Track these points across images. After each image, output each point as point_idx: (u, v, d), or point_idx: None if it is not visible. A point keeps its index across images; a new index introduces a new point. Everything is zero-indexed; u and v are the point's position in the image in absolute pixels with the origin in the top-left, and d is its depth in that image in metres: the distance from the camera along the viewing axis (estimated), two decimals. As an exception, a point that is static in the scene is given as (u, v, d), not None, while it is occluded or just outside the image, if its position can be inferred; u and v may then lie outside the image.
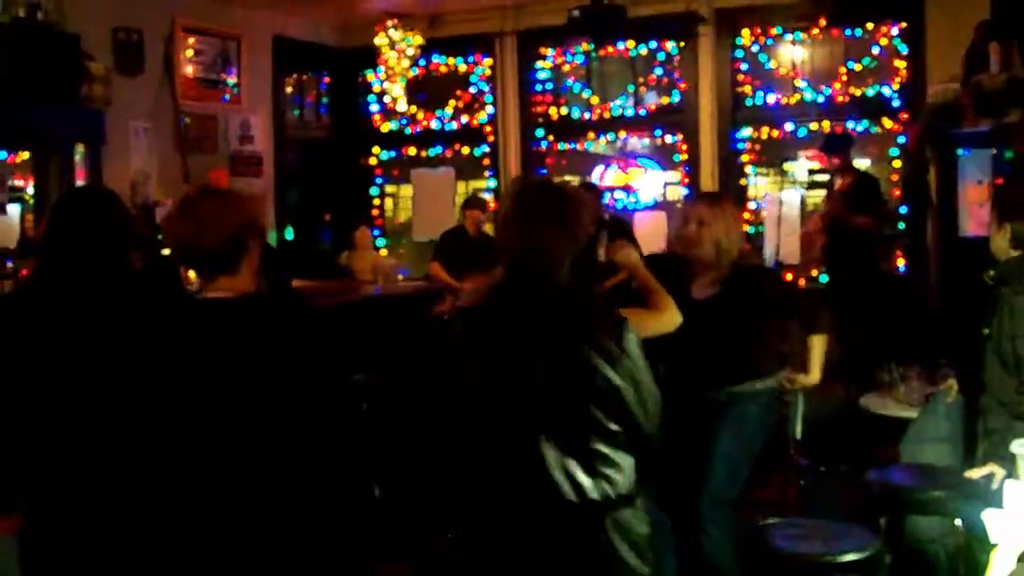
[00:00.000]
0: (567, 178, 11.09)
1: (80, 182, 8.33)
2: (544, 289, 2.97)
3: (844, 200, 8.76)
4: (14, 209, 8.54)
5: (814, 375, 5.00)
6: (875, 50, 9.81)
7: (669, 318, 3.96)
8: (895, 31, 9.71)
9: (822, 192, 9.58)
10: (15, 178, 9.05)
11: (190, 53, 9.57)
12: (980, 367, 4.57)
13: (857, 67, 9.87)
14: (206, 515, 2.85)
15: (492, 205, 10.52)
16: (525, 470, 2.87)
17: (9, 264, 7.51)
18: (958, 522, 4.43)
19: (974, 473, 4.37)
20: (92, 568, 3.39)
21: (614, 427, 2.88)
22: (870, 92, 9.82)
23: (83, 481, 3.38)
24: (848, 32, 9.87)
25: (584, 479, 2.86)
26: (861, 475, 5.54)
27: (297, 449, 2.91)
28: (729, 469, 4.70)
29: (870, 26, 9.78)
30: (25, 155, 8.78)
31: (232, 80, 10.04)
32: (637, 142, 10.92)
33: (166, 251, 3.14)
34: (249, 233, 3.02)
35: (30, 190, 8.72)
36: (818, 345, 4.99)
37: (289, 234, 10.77)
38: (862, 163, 9.76)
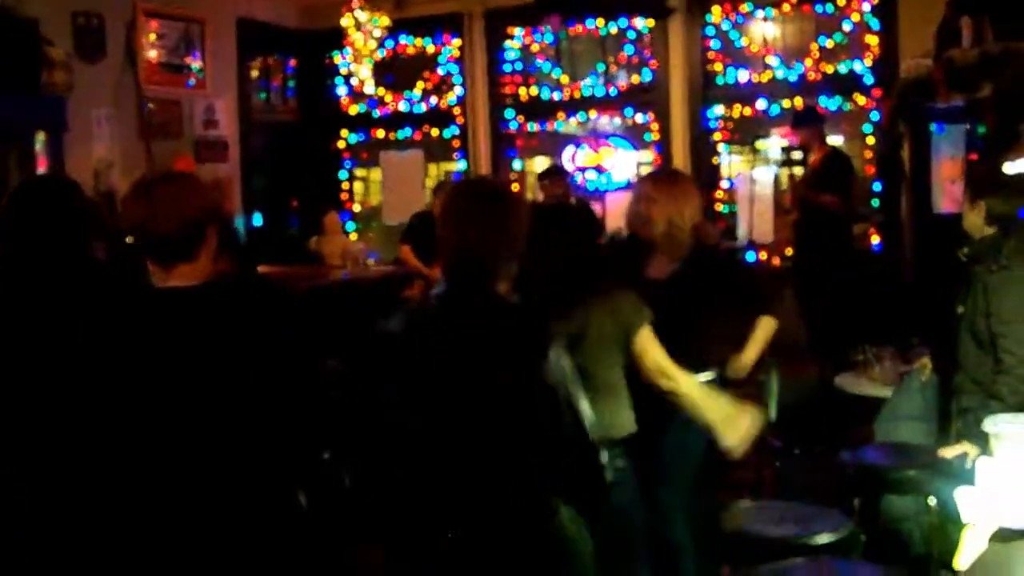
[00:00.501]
0: (538, 159, 11.02)
1: (41, 171, 8.19)
2: (477, 292, 2.90)
3: (814, 177, 8.67)
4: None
5: (748, 356, 4.83)
6: (847, 26, 9.72)
7: None
8: (866, 7, 9.62)
9: (797, 170, 9.51)
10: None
11: (152, 37, 9.41)
12: (954, 345, 4.53)
13: (829, 43, 9.79)
14: (184, 502, 2.78)
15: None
16: (459, 480, 2.81)
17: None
18: (932, 501, 4.37)
19: (948, 452, 4.33)
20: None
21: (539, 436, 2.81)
22: (842, 69, 9.75)
23: (50, 476, 3.29)
24: (819, 8, 9.78)
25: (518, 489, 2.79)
26: (836, 456, 5.49)
27: (274, 437, 2.84)
28: (681, 462, 4.54)
29: (841, 2, 9.68)
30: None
31: (196, 64, 9.88)
32: (608, 121, 10.81)
33: (129, 239, 3.04)
34: (208, 219, 2.92)
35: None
36: (764, 327, 4.84)
37: (257, 219, 10.64)
38: (835, 140, 9.67)
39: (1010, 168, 5.35)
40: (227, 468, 2.80)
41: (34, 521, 3.30)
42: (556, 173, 9.03)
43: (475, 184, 3.19)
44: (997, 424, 3.40)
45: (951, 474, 4.18)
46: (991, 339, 4.28)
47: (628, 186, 10.35)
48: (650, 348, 3.70)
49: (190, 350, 2.78)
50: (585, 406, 2.92)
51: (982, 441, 4.05)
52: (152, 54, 9.39)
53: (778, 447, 5.82)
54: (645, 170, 10.49)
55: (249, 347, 2.83)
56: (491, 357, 2.84)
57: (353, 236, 11.27)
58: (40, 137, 8.26)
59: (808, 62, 9.83)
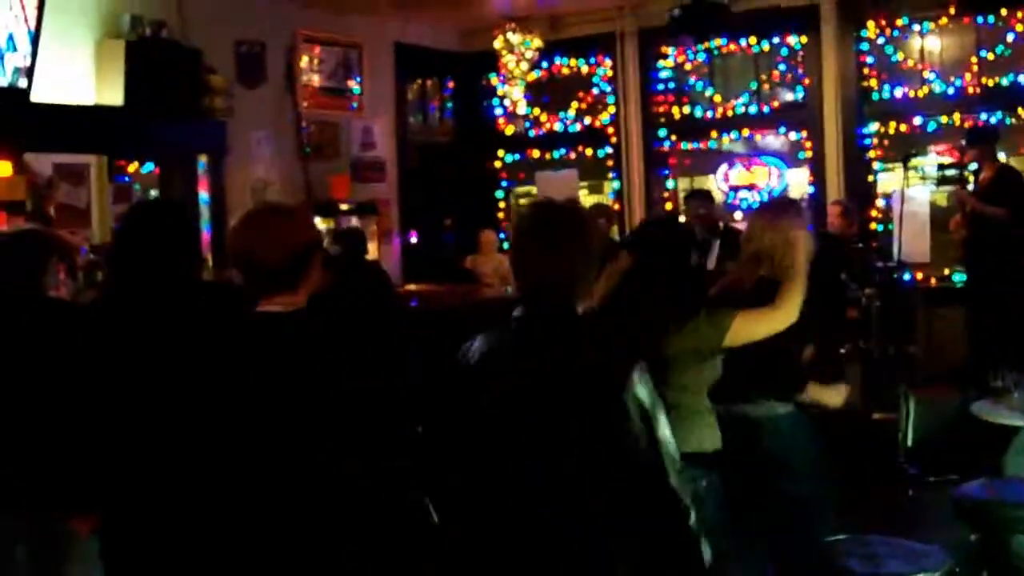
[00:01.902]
0: (694, 179, 10.99)
1: (203, 192, 8.59)
2: (555, 317, 2.89)
3: (985, 194, 8.42)
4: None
5: None
6: (1010, 37, 9.41)
7: (784, 315, 3.85)
8: (1032, 15, 9.31)
9: (951, 187, 9.27)
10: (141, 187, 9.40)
11: (312, 62, 9.76)
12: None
13: (990, 56, 9.49)
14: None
15: (615, 208, 10.53)
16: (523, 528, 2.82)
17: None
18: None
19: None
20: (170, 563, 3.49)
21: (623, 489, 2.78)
22: (1004, 82, 9.44)
23: (153, 488, 3.48)
24: (980, 20, 9.50)
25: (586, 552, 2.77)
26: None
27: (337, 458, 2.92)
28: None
29: (1004, 12, 9.37)
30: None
31: (356, 87, 10.20)
32: (762, 140, 10.71)
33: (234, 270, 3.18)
34: (310, 252, 3.03)
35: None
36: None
37: (413, 238, 10.90)
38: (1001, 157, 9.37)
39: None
40: (257, 477, 2.88)
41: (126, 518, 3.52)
42: (702, 195, 8.95)
43: (549, 207, 3.14)
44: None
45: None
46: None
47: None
48: (747, 327, 3.71)
49: (272, 371, 2.89)
50: (666, 432, 2.90)
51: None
52: (313, 78, 9.74)
53: (912, 474, 5.69)
54: (796, 188, 10.38)
55: (331, 368, 2.91)
56: (568, 384, 2.84)
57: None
58: (202, 159, 8.67)
59: (968, 76, 9.55)
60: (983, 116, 9.40)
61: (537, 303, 2.89)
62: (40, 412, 3.85)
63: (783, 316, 3.85)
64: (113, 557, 3.65)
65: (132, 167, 9.26)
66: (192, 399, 3.10)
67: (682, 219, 9.10)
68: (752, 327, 3.76)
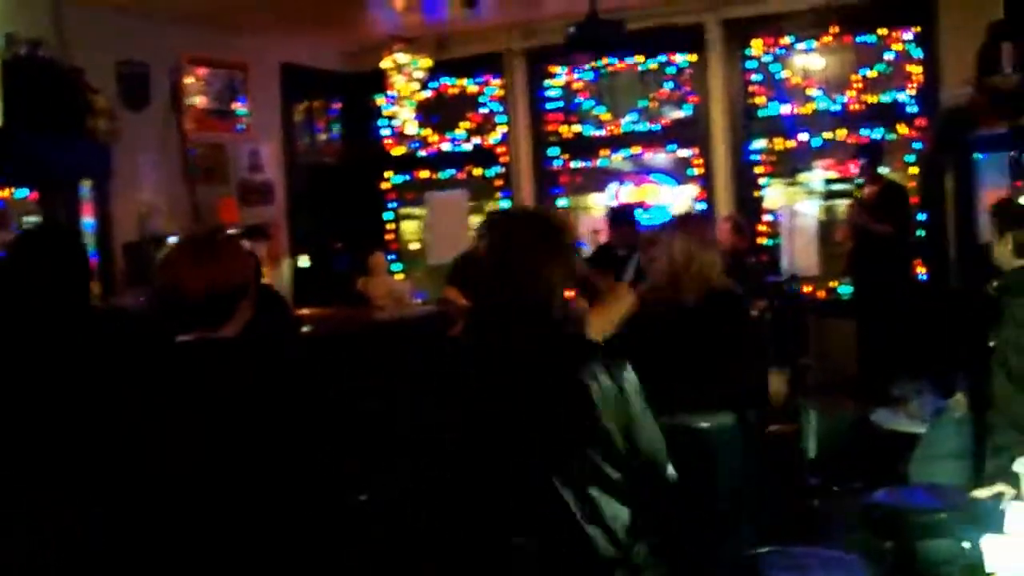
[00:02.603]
0: (589, 196, 11.02)
1: (87, 218, 8.31)
2: (535, 322, 2.84)
3: (869, 209, 8.61)
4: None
5: None
6: (889, 56, 9.65)
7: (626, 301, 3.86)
8: (908, 36, 9.55)
9: (840, 201, 9.46)
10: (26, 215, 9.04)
11: (197, 84, 9.54)
12: (984, 381, 4.44)
13: (871, 74, 9.72)
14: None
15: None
16: (526, 519, 2.76)
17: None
18: (966, 545, 4.27)
19: (982, 493, 4.23)
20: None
21: (613, 473, 2.75)
22: (885, 99, 9.67)
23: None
24: (860, 39, 9.72)
25: (589, 531, 2.72)
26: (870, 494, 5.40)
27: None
28: None
29: (883, 32, 9.62)
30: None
31: (242, 109, 10.01)
32: (651, 157, 10.79)
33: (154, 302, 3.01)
34: (240, 293, 2.87)
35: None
36: None
37: (303, 261, 10.72)
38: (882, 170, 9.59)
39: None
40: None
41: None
42: (625, 213, 8.85)
43: (530, 214, 3.08)
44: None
45: (984, 517, 4.08)
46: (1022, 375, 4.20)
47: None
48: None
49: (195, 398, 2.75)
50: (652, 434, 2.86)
51: (1016, 481, 3.97)
52: (197, 100, 9.52)
53: (815, 484, 5.76)
54: (685, 206, 10.46)
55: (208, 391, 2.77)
56: (550, 387, 2.78)
57: (399, 276, 11.31)
58: (85, 184, 8.39)
59: (851, 93, 9.76)
60: (865, 132, 9.60)
61: (505, 308, 2.83)
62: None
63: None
64: None
65: (4, 192, 8.90)
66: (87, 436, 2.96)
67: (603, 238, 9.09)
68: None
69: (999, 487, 4.17)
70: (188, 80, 9.43)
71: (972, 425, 4.81)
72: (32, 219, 8.95)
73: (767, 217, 10.04)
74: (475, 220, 11.17)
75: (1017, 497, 3.86)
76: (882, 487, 4.97)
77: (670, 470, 2.92)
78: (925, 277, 9.35)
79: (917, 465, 4.99)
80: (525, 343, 2.83)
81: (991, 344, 4.42)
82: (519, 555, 2.76)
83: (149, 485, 2.74)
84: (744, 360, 4.68)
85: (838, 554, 3.94)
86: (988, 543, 3.19)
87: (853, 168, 9.20)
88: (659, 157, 10.78)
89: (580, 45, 8.04)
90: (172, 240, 8.62)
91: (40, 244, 3.67)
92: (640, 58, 10.37)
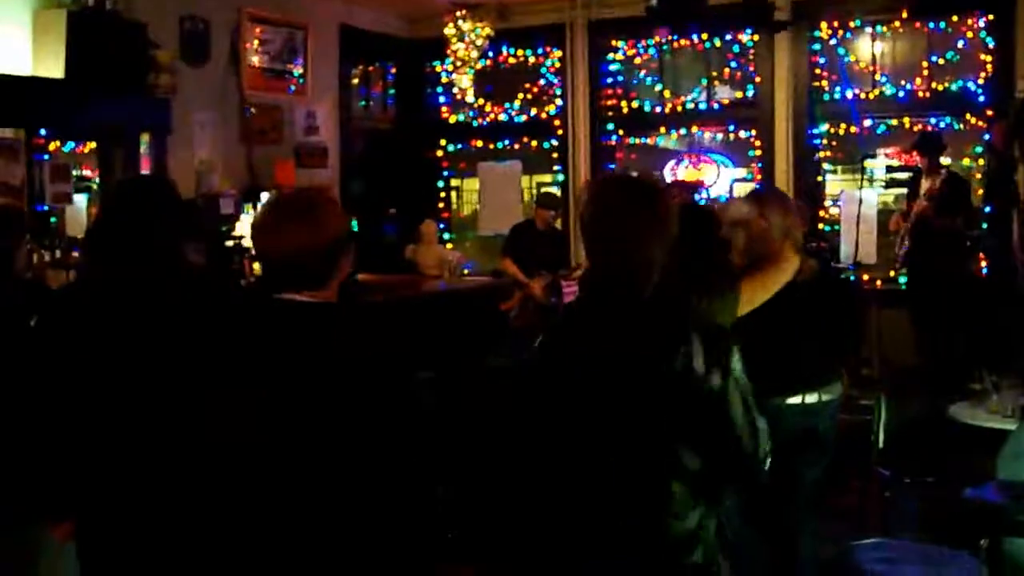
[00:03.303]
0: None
1: (145, 171, 8.24)
2: (635, 293, 2.71)
3: (933, 202, 8.44)
4: (80, 199, 8.44)
5: None
6: (960, 43, 9.48)
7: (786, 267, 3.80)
8: (981, 23, 9.37)
9: (900, 191, 9.30)
10: (83, 168, 8.97)
11: (256, 43, 9.44)
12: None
13: (940, 61, 9.55)
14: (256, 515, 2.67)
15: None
16: (595, 505, 2.66)
17: (75, 254, 7.42)
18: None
19: (1080, 493, 4.11)
20: (150, 562, 3.26)
21: (695, 465, 2.63)
22: (954, 87, 9.50)
23: (134, 478, 3.25)
24: (931, 25, 9.54)
25: (659, 521, 2.63)
26: (946, 488, 5.28)
27: (357, 452, 2.70)
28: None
29: (955, 18, 9.44)
30: (91, 145, 8.68)
31: (298, 71, 9.90)
32: (710, 137, 10.64)
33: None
34: (341, 250, 2.78)
35: (97, 181, 8.61)
36: None
37: (354, 226, 10.62)
38: (944, 161, 9.42)
39: None
40: (278, 472, 2.65)
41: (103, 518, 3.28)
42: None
43: (629, 180, 2.95)
44: None
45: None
46: None
47: (727, 201, 10.17)
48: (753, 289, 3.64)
49: (258, 355, 2.66)
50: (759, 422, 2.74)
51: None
52: (255, 59, 9.42)
53: (886, 476, 5.63)
54: (742, 186, 10.32)
55: (311, 353, 2.68)
56: (648, 358, 2.65)
57: (449, 246, 11.22)
58: (144, 138, 8.32)
59: (918, 80, 9.60)
60: (933, 120, 9.44)
61: (604, 277, 2.72)
62: (13, 410, 3.55)
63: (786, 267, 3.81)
64: (91, 560, 3.41)
65: (53, 145, 8.81)
66: (184, 394, 2.88)
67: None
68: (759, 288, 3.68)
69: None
70: (247, 38, 9.32)
71: (1065, 423, 4.68)
72: (84, 173, 8.94)
73: (828, 203, 9.88)
74: (526, 193, 11.10)
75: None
76: (958, 482, 4.85)
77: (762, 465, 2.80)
78: (987, 271, 9.19)
79: (1005, 462, 4.84)
80: (612, 325, 2.72)
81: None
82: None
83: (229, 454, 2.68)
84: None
85: (938, 549, 3.83)
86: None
87: (917, 157, 9.02)
88: (716, 137, 10.62)
89: (661, 18, 7.89)
90: (227, 199, 8.66)
91: (140, 194, 3.57)
92: (704, 35, 10.20)
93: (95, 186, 8.64)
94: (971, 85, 9.42)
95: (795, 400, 4.38)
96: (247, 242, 8.22)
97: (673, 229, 2.78)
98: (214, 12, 8.99)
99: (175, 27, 8.66)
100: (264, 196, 8.62)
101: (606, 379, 2.63)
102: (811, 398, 4.44)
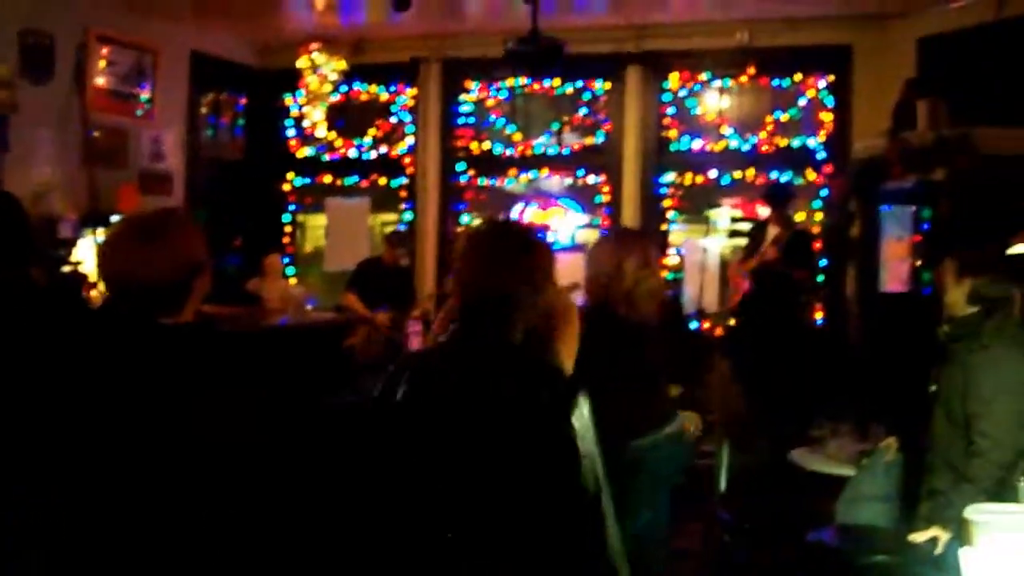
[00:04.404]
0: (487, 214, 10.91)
1: (-22, 190, 7.91)
2: (493, 340, 2.71)
3: (782, 252, 8.64)
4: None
5: None
6: (802, 101, 9.79)
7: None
8: (822, 83, 9.70)
9: (742, 241, 9.52)
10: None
11: (103, 63, 9.17)
12: (924, 425, 4.45)
13: (784, 117, 9.84)
14: None
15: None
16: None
17: None
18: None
19: (918, 536, 4.23)
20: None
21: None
22: (795, 143, 9.80)
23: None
24: (776, 82, 9.84)
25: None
26: (785, 533, 5.40)
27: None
28: None
29: (798, 77, 9.76)
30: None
31: (146, 95, 9.66)
32: (557, 181, 10.73)
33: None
34: (197, 273, 2.68)
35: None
36: None
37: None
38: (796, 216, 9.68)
39: (1013, 251, 5.29)
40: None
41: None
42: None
43: (504, 226, 2.96)
44: (981, 513, 3.27)
45: (922, 560, 4.08)
46: (965, 420, 4.21)
47: (574, 247, 10.28)
48: None
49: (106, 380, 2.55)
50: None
51: (953, 524, 3.97)
52: (101, 80, 9.15)
53: (727, 520, 5.72)
54: (590, 233, 10.42)
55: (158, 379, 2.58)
56: (508, 407, 2.62)
57: (293, 280, 11.05)
58: (-21, 154, 8.00)
59: (762, 134, 9.87)
60: (775, 174, 9.71)
61: (476, 323, 2.70)
62: None
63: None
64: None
65: None
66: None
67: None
68: None
69: (935, 531, 4.18)
70: (94, 57, 9.05)
71: (902, 468, 4.83)
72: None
73: (671, 251, 10.05)
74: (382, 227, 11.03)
75: (955, 539, 3.86)
76: (799, 526, 4.96)
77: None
78: (821, 322, 9.46)
79: (845, 506, 4.97)
80: (485, 371, 2.70)
81: (932, 388, 4.44)
82: None
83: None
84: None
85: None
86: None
87: (760, 208, 9.26)
88: (564, 182, 10.72)
89: (518, 62, 7.93)
90: (65, 222, 8.36)
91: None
92: (556, 81, 10.31)
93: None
94: (811, 142, 9.73)
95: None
96: (85, 267, 7.96)
97: (542, 278, 2.79)
98: (58, 28, 8.70)
99: (15, 40, 8.35)
100: (108, 221, 8.37)
101: (469, 421, 2.60)
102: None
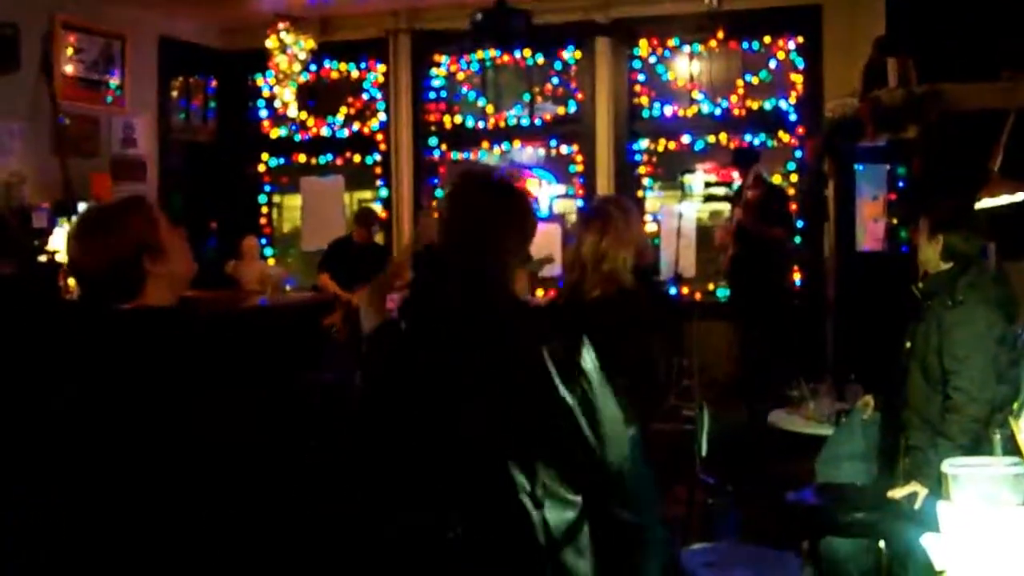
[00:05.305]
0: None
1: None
2: (484, 295, 2.69)
3: (756, 211, 8.68)
4: None
5: None
6: (772, 64, 9.81)
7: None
8: (792, 45, 9.73)
9: (718, 205, 9.54)
10: None
11: (70, 51, 9.12)
12: (899, 382, 4.48)
13: (754, 80, 9.87)
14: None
15: (383, 216, 10.33)
16: (464, 499, 2.61)
17: None
18: (882, 544, 4.31)
19: (897, 492, 4.27)
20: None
21: (565, 459, 2.62)
22: (767, 106, 9.83)
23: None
24: (745, 45, 9.86)
25: (532, 513, 2.59)
26: (767, 494, 5.43)
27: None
28: None
29: (767, 40, 9.78)
30: None
31: (115, 81, 9.61)
32: (531, 152, 10.74)
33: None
34: (146, 253, 2.68)
35: None
36: None
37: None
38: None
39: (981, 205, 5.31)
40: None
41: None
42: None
43: (486, 175, 2.92)
44: (957, 467, 3.30)
45: (901, 516, 4.12)
46: (941, 376, 4.24)
47: (550, 218, 10.30)
48: None
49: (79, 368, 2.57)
50: (611, 408, 2.74)
51: (931, 480, 4.01)
52: (69, 68, 9.10)
53: (710, 483, 5.76)
54: (565, 203, 10.45)
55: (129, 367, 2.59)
56: (501, 355, 2.63)
57: (271, 261, 11.04)
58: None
59: (734, 98, 9.89)
60: (748, 137, 9.73)
61: (453, 279, 2.69)
62: None
63: None
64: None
65: None
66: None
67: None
68: None
69: (913, 486, 4.22)
70: (61, 46, 8.99)
71: (879, 426, 4.86)
72: None
73: (648, 218, 10.07)
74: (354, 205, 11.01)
75: (934, 495, 3.90)
76: (779, 486, 5.00)
77: (628, 460, 2.82)
78: (800, 283, 9.51)
79: (824, 466, 5.01)
80: (471, 309, 2.69)
81: (907, 346, 4.47)
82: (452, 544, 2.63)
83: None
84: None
85: (764, 550, 3.92)
86: (931, 543, 3.18)
87: (734, 172, 9.29)
88: (538, 153, 10.72)
89: (485, 34, 7.90)
90: (39, 212, 8.34)
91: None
92: (527, 52, 10.30)
93: None
94: (783, 104, 9.75)
95: None
96: (61, 257, 7.94)
97: (529, 228, 2.79)
98: (23, 17, 8.64)
99: (-21, 32, 8.31)
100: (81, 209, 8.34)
101: (460, 382, 2.61)
102: None
